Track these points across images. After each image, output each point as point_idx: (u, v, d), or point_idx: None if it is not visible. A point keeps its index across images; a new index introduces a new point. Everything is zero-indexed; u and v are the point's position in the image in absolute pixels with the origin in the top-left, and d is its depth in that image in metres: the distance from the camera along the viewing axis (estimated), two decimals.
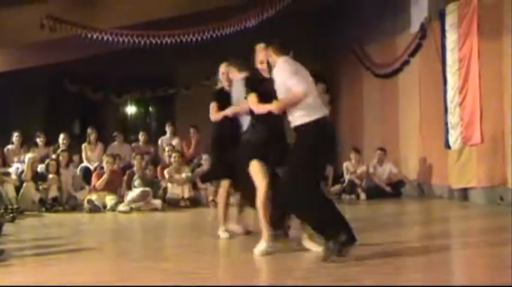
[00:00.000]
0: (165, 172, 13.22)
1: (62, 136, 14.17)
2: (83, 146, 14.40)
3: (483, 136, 11.30)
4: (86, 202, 12.35)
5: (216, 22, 13.14)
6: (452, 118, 12.13)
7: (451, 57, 12.14)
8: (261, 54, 6.89)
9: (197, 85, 16.85)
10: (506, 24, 10.56)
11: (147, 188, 12.58)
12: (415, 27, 13.58)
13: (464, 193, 12.14)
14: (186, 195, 13.00)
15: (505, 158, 10.70)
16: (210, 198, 12.93)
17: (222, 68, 8.39)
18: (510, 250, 6.12)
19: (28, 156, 12.89)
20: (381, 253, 6.35)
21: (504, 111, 10.67)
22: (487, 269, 5.76)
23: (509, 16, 10.43)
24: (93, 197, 12.43)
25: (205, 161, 13.53)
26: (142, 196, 12.41)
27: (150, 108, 19.81)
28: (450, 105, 12.20)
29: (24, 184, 12.42)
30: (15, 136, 14.19)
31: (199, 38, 13.08)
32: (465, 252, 6.75)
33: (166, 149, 14.04)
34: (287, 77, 6.24)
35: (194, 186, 13.34)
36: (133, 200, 12.32)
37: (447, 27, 12.30)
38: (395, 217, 10.80)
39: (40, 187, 12.57)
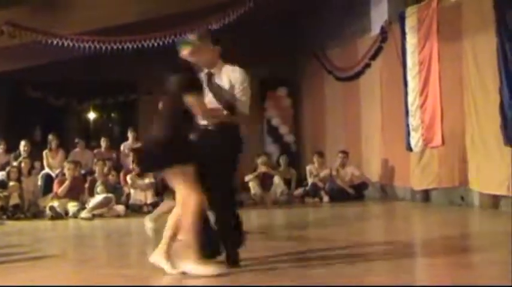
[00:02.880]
0: (128, 177, 13.14)
1: (22, 143, 14.04)
2: (44, 153, 14.26)
3: (444, 138, 11.44)
4: (47, 209, 12.22)
5: (178, 27, 13.11)
6: (414, 120, 12.25)
7: (412, 60, 12.27)
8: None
9: (159, 91, 16.77)
10: (465, 26, 10.70)
11: (110, 195, 12.48)
12: (375, 31, 13.70)
13: (426, 195, 12.26)
14: (149, 201, 12.93)
15: (465, 159, 10.83)
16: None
17: None
18: (468, 249, 6.19)
19: None
20: (345, 255, 6.39)
21: (464, 113, 10.80)
22: (451, 270, 5.81)
23: (468, 19, 10.56)
24: (55, 204, 12.30)
25: None
26: (105, 202, 12.31)
27: (112, 114, 19.69)
28: (411, 108, 12.32)
29: None
30: None
31: (160, 43, 13.03)
32: (428, 253, 6.81)
33: (131, 154, 13.96)
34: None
35: (157, 192, 13.26)
36: (96, 207, 12.22)
37: (407, 30, 12.43)
38: (358, 218, 10.87)
39: (1, 195, 12.41)
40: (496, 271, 5.40)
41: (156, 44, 13.00)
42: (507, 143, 9.62)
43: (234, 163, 6.03)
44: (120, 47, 12.95)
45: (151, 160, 5.82)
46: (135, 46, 12.97)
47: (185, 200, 5.62)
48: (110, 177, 13.25)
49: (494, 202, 10.30)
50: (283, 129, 18.46)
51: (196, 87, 5.83)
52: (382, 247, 7.37)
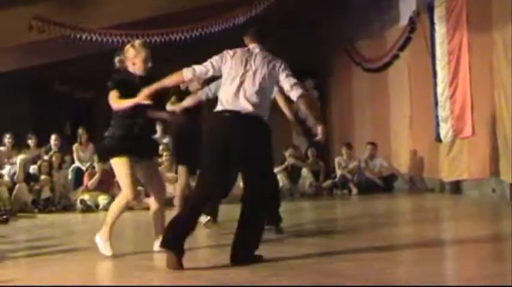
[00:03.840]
0: None
1: (53, 137, 14.17)
2: (74, 146, 14.36)
3: (474, 128, 11.33)
4: (78, 202, 12.33)
5: (205, 20, 13.14)
6: (443, 111, 12.15)
7: (441, 51, 12.17)
8: None
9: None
10: (495, 16, 10.58)
11: (140, 187, 12.52)
12: (404, 21, 13.61)
13: (456, 186, 12.17)
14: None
15: (496, 150, 10.72)
16: None
17: None
18: (502, 242, 6.13)
19: (20, 157, 12.87)
20: (374, 248, 6.37)
21: (494, 103, 10.70)
22: (482, 262, 5.77)
23: (499, 8, 10.44)
24: (86, 197, 12.41)
25: None
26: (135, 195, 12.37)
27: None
28: (440, 99, 12.23)
29: (17, 186, 12.40)
30: (6, 138, 14.14)
31: (188, 36, 13.07)
32: (459, 245, 6.76)
33: (160, 147, 14.00)
34: None
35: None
36: None
37: (436, 20, 12.32)
38: (388, 211, 10.83)
39: (33, 188, 12.56)
40: None
41: (183, 37, 13.05)
42: None
43: None
44: (147, 40, 12.99)
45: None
46: (163, 39, 13.02)
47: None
48: None
49: None
50: (311, 121, 18.41)
51: None
52: (410, 240, 7.34)
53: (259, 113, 5.79)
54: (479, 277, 4.83)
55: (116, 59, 7.18)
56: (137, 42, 6.93)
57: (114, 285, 5.24)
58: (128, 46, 6.86)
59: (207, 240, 7.81)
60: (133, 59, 6.67)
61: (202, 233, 8.14)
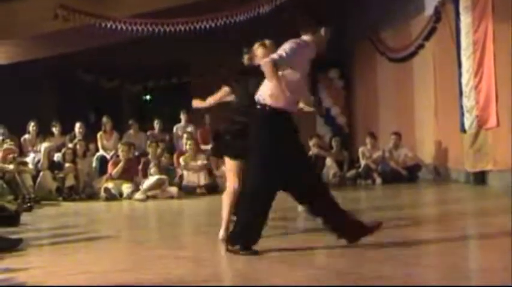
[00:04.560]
0: (181, 159, 13.26)
1: (78, 125, 14.28)
2: (99, 135, 14.45)
3: (499, 119, 11.23)
4: (102, 190, 12.42)
5: (230, 9, 13.12)
6: (468, 102, 12.06)
7: (466, 41, 12.06)
8: None
9: (211, 73, 16.83)
10: None
11: (163, 176, 12.62)
12: (429, 11, 13.50)
13: (480, 177, 12.08)
14: (202, 182, 13.04)
15: None
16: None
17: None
18: None
19: (44, 145, 12.97)
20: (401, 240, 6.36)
21: None
22: (504, 254, 5.74)
23: None
24: (110, 185, 12.49)
25: None
26: (158, 184, 12.45)
27: (165, 97, 19.83)
28: (465, 89, 12.13)
29: (41, 173, 12.50)
30: (31, 126, 14.27)
31: (213, 25, 13.06)
32: (484, 237, 6.72)
33: (185, 136, 14.05)
34: None
35: (210, 173, 13.36)
36: (150, 188, 12.37)
37: (461, 10, 12.21)
38: (413, 201, 10.79)
39: (57, 176, 12.66)
40: None
41: (208, 26, 13.04)
42: None
43: None
44: (172, 29, 13.01)
45: None
46: (187, 28, 13.02)
47: None
48: (163, 159, 13.39)
49: None
50: (335, 111, 18.39)
51: None
52: (432, 232, 7.31)
53: None
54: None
55: (245, 57, 7.46)
56: (267, 41, 7.01)
57: (138, 273, 5.26)
58: (257, 45, 7.00)
59: None
60: (263, 58, 6.71)
61: None
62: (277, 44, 6.38)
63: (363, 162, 14.33)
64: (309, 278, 4.82)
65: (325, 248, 5.99)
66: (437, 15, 13.12)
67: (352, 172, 14.40)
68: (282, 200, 6.20)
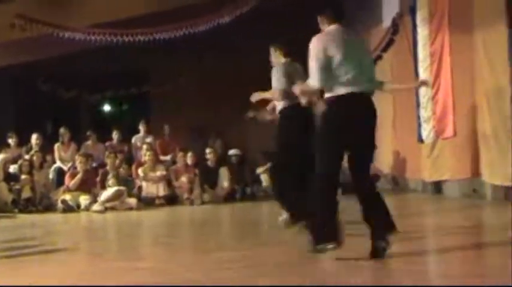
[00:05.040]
0: (140, 170, 13.18)
1: (34, 136, 14.09)
2: (56, 146, 14.29)
3: (456, 129, 11.38)
4: (59, 202, 12.27)
5: (190, 19, 13.11)
6: (425, 112, 12.21)
7: (423, 52, 12.22)
8: None
9: (170, 82, 16.81)
10: (477, 18, 10.63)
11: (122, 187, 12.53)
12: (387, 23, 13.65)
13: (438, 186, 12.22)
14: (161, 193, 12.98)
15: (477, 150, 10.78)
16: (186, 196, 12.91)
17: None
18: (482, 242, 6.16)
19: (0, 157, 12.78)
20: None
21: (476, 105, 10.75)
22: (463, 263, 5.80)
23: (480, 10, 10.49)
24: (67, 197, 12.36)
25: (181, 157, 13.54)
26: (117, 195, 12.35)
27: (124, 107, 19.73)
28: (422, 100, 12.28)
29: None
30: None
31: (172, 36, 13.04)
32: (443, 246, 6.79)
33: (144, 147, 13.97)
34: None
35: (169, 184, 13.30)
36: (108, 200, 12.27)
37: (418, 22, 12.38)
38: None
39: (13, 188, 12.48)
40: None
41: (168, 37, 13.01)
42: None
43: None
44: (131, 39, 12.96)
45: None
46: (146, 39, 12.98)
47: None
48: (122, 170, 13.30)
49: (506, 193, 10.25)
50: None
51: None
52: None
53: None
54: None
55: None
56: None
57: (96, 285, 5.21)
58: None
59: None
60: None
61: None
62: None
63: None
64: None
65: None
66: (395, 27, 13.26)
67: None
68: None
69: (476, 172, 10.87)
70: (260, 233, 8.63)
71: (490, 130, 10.31)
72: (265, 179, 14.10)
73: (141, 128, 15.32)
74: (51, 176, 13.67)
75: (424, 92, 12.20)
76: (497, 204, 9.93)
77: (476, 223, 8.37)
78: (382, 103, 14.09)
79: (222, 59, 16.21)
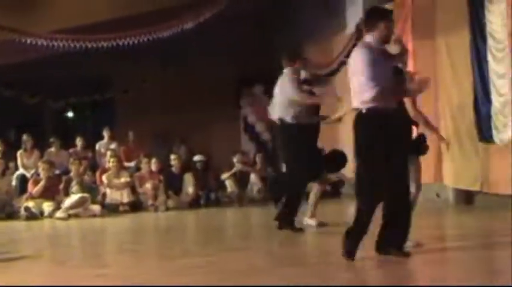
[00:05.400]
0: (104, 177, 13.09)
1: None
2: (19, 153, 14.10)
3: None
4: (22, 209, 12.13)
5: (153, 25, 13.07)
6: None
7: None
8: None
9: (134, 88, 16.73)
10: (439, 23, 10.76)
11: (86, 194, 12.42)
12: (351, 28, 13.72)
13: None
14: (126, 200, 12.88)
15: (440, 155, 10.89)
16: (150, 202, 12.85)
17: None
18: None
19: None
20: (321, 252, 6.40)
21: (439, 110, 10.86)
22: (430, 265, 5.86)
23: (443, 16, 10.62)
24: (30, 204, 12.21)
25: (145, 163, 13.47)
26: (81, 202, 12.23)
27: (88, 113, 19.57)
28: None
29: None
30: None
31: (135, 42, 12.98)
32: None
33: (108, 153, 13.87)
34: None
35: (134, 191, 13.23)
36: (72, 207, 12.14)
37: None
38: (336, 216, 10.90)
39: None
40: None
41: (131, 43, 12.95)
42: (481, 139, 9.70)
43: None
44: (94, 45, 12.88)
45: None
46: (109, 45, 12.91)
47: None
48: (86, 176, 13.19)
49: (468, 198, 10.37)
50: (260, 127, 18.44)
51: None
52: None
53: None
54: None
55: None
56: None
57: None
58: None
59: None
60: None
61: None
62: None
63: None
64: None
65: None
66: (359, 33, 13.32)
67: None
68: None
69: (439, 177, 10.99)
70: (225, 239, 8.63)
71: (453, 135, 10.43)
72: (229, 185, 14.08)
73: (105, 134, 15.21)
74: (14, 183, 13.50)
75: None
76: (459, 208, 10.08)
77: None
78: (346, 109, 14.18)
79: (186, 65, 16.18)
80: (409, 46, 11.54)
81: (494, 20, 9.49)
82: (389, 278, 5.30)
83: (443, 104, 10.71)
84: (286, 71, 8.74)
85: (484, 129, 9.61)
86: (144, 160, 13.61)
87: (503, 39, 9.13)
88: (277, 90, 8.74)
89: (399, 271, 5.55)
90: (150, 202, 12.87)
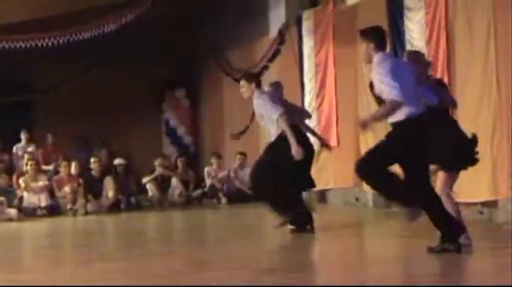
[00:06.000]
0: (21, 180, 12.80)
1: None
2: None
3: (339, 139, 11.63)
4: None
5: (74, 26, 12.86)
6: (310, 122, 12.37)
7: (308, 63, 12.42)
8: None
9: (54, 90, 16.41)
10: (360, 29, 10.88)
11: (1, 198, 12.13)
12: (273, 33, 13.79)
13: (322, 195, 12.43)
14: (43, 204, 12.62)
15: None
16: (69, 206, 12.62)
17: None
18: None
19: None
20: (241, 257, 6.40)
21: (359, 115, 11.01)
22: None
23: (363, 24, 10.75)
24: None
25: (65, 166, 13.23)
26: None
27: (6, 115, 19.09)
28: (308, 110, 12.47)
29: None
30: None
31: (55, 43, 12.76)
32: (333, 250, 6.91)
33: (26, 156, 13.58)
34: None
35: (52, 194, 12.97)
36: None
37: (304, 33, 12.57)
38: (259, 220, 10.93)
39: None
40: None
41: (50, 43, 12.72)
42: None
43: None
44: (12, 46, 12.60)
45: None
46: (28, 45, 12.64)
47: None
48: (2, 180, 12.89)
49: (387, 202, 10.53)
50: (182, 131, 18.36)
51: None
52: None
53: None
54: None
55: None
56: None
57: None
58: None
59: None
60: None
61: None
62: None
63: (208, 182, 14.37)
64: None
65: None
66: (281, 38, 13.42)
67: (198, 192, 14.39)
68: None
69: (358, 182, 11.13)
70: (145, 243, 8.53)
71: (372, 140, 10.58)
72: (151, 188, 13.97)
73: (23, 136, 14.89)
74: None
75: (309, 102, 12.40)
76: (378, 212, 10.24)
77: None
78: None
79: (108, 68, 15.97)
80: (330, 53, 11.70)
81: (412, 27, 9.69)
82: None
83: (363, 110, 10.86)
84: None
85: None
86: (64, 163, 13.37)
87: (421, 46, 9.31)
88: None
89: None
90: (68, 205, 12.65)
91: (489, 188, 8.32)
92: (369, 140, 10.54)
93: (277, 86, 9.08)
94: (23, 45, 12.54)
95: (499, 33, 8.17)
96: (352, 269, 5.92)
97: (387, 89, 6.04)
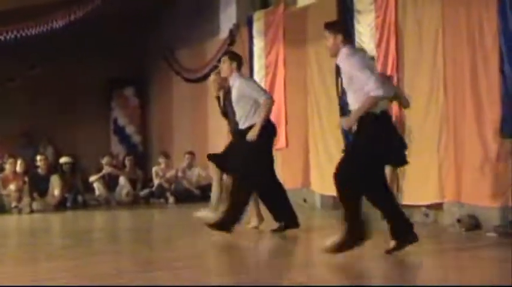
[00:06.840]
0: None
1: None
2: None
3: (288, 140, 11.68)
4: None
5: (22, 22, 12.67)
6: None
7: (258, 64, 12.46)
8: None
9: (0, 87, 16.16)
10: (310, 33, 10.97)
11: None
12: (224, 33, 13.80)
13: None
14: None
15: (307, 161, 11.11)
16: (14, 204, 12.43)
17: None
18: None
19: None
20: (187, 256, 6.39)
21: (307, 117, 11.09)
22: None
23: (313, 25, 10.84)
24: None
25: (10, 164, 13.02)
26: None
27: None
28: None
29: None
30: None
31: (2, 39, 12.56)
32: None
33: None
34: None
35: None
36: None
37: (255, 34, 12.61)
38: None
39: None
40: None
41: None
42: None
43: None
44: None
45: None
46: None
47: None
48: None
49: (334, 203, 10.61)
50: (130, 130, 18.25)
51: None
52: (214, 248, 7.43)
53: None
54: None
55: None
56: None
57: None
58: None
59: None
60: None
61: None
62: None
63: (156, 181, 14.30)
64: None
65: None
66: (232, 38, 13.44)
67: (146, 191, 14.31)
68: None
69: (306, 182, 11.21)
70: (91, 242, 8.45)
71: (321, 142, 10.67)
72: (98, 187, 13.85)
73: None
74: None
75: None
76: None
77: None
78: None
79: (56, 64, 15.79)
80: (281, 54, 11.76)
81: (362, 30, 9.80)
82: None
83: (312, 112, 10.94)
84: None
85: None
86: (9, 160, 13.15)
87: (371, 49, 9.42)
88: None
89: None
90: (13, 204, 12.46)
91: (435, 191, 8.46)
92: (317, 142, 10.64)
93: None
94: None
95: (446, 38, 8.32)
96: (297, 269, 5.96)
97: (367, 82, 5.98)
